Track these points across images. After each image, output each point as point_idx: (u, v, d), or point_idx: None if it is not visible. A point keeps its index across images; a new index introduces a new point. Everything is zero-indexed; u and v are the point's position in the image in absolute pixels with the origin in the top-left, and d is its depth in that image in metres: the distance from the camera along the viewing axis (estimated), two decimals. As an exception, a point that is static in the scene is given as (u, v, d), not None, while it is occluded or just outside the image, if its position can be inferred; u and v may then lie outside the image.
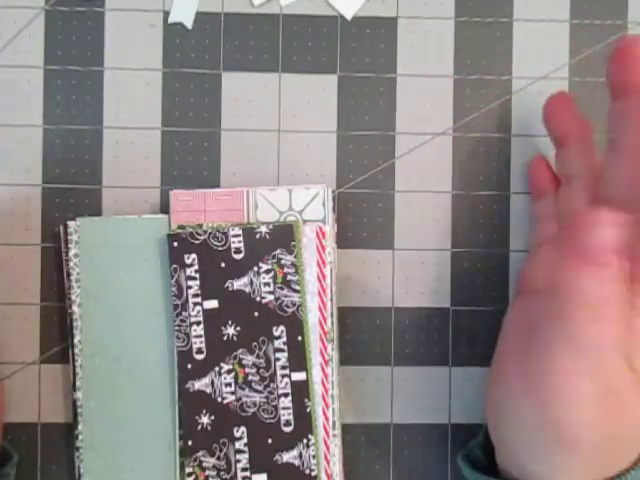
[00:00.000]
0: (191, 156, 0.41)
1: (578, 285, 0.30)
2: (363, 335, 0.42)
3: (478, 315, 0.41)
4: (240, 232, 0.38)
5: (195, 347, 0.38)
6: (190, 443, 0.38)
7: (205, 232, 0.38)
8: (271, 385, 0.38)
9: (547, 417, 0.31)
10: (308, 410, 0.38)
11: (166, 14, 0.41)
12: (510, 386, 0.33)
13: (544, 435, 0.31)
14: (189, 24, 0.41)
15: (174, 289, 0.38)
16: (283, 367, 0.38)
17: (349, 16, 0.41)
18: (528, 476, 0.33)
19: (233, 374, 0.38)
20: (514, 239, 0.42)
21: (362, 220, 0.42)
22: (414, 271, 0.42)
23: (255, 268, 0.38)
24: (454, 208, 0.42)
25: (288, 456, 0.38)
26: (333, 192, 0.41)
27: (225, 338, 0.38)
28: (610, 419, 0.30)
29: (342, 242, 0.41)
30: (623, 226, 0.29)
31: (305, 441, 0.38)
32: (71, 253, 0.39)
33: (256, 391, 0.38)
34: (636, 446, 0.32)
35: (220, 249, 0.38)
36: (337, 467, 0.39)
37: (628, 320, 0.30)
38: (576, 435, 0.31)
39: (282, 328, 0.38)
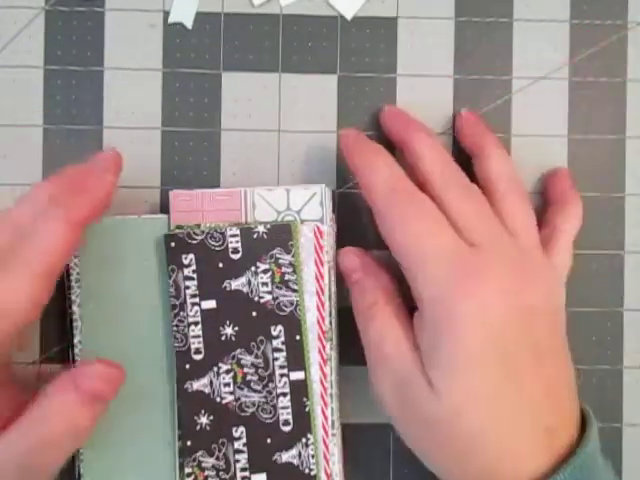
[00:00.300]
0: (191, 156, 0.41)
1: (353, 303, 0.39)
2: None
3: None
4: (238, 232, 0.38)
5: (193, 347, 0.38)
6: (189, 443, 0.38)
7: (202, 232, 0.38)
8: (270, 385, 0.38)
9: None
10: (307, 409, 0.38)
11: (166, 14, 0.41)
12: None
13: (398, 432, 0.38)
14: (189, 24, 0.41)
15: (172, 289, 0.38)
16: (281, 367, 0.38)
17: (349, 16, 0.41)
18: None
19: (232, 374, 0.38)
20: (514, 239, 0.42)
21: (362, 220, 0.42)
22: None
23: (253, 268, 0.38)
24: (454, 208, 0.42)
25: (287, 456, 0.38)
26: (333, 192, 0.41)
27: (223, 338, 0.38)
28: (404, 406, 0.36)
29: (342, 242, 0.41)
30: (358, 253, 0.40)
31: (304, 440, 0.38)
32: (71, 253, 0.39)
33: (255, 391, 0.38)
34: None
35: (218, 249, 0.38)
36: (337, 467, 0.39)
37: (398, 313, 0.38)
38: (402, 432, 0.37)
39: (280, 328, 0.38)
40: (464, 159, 0.41)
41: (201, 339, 0.38)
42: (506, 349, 0.34)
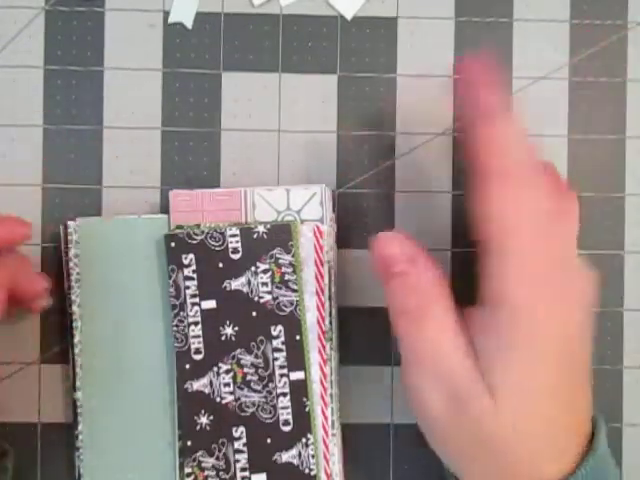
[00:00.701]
0: (191, 156, 0.41)
1: (391, 300, 0.35)
2: (363, 335, 0.42)
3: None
4: (237, 232, 0.38)
5: (193, 347, 0.38)
6: (189, 443, 0.38)
7: (202, 232, 0.38)
8: (270, 385, 0.38)
9: (422, 429, 0.36)
10: (307, 409, 0.38)
11: (166, 14, 0.41)
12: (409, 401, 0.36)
13: (433, 438, 0.36)
14: (189, 24, 0.41)
15: (172, 289, 0.38)
16: (281, 367, 0.38)
17: (349, 16, 0.41)
18: None
19: (232, 374, 0.38)
20: (514, 239, 0.42)
21: (362, 220, 0.42)
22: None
23: (253, 268, 0.38)
24: (454, 208, 0.42)
25: (287, 456, 0.38)
26: (333, 192, 0.41)
27: (223, 338, 0.38)
28: (458, 419, 0.33)
29: (342, 242, 0.41)
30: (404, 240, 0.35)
31: (304, 440, 0.38)
32: (71, 253, 0.39)
33: (255, 391, 0.38)
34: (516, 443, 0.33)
35: (218, 249, 0.38)
36: (336, 466, 0.39)
37: (452, 316, 0.34)
38: (440, 442, 0.35)
39: (280, 328, 0.38)
40: (464, 159, 0.41)
41: (201, 339, 0.38)
42: (574, 364, 0.33)
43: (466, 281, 0.41)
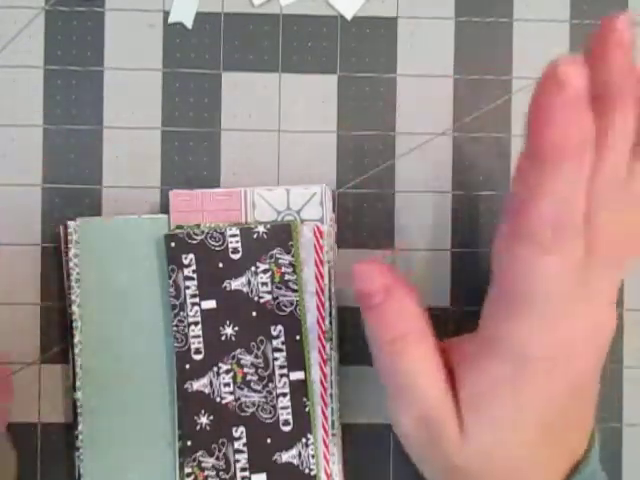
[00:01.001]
0: (191, 156, 0.41)
1: (369, 331, 0.35)
2: (363, 335, 0.41)
3: (478, 315, 0.41)
4: (237, 232, 0.38)
5: (193, 347, 0.38)
6: (189, 443, 0.38)
7: (202, 232, 0.38)
8: (270, 385, 0.38)
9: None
10: (307, 409, 0.38)
11: (166, 14, 0.41)
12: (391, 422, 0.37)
13: (415, 461, 0.37)
14: (189, 24, 0.41)
15: (172, 289, 0.38)
16: (281, 367, 0.38)
17: (349, 16, 0.41)
18: None
19: (232, 374, 0.38)
20: (514, 239, 0.42)
21: (362, 220, 0.41)
22: (414, 271, 0.42)
23: (253, 268, 0.38)
24: (454, 208, 0.42)
25: (287, 456, 0.38)
26: (333, 192, 0.41)
27: (223, 338, 0.38)
28: (430, 449, 0.34)
29: (342, 242, 0.41)
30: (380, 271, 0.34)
31: (304, 440, 0.38)
32: (71, 253, 0.39)
33: (255, 391, 0.38)
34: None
35: (218, 249, 0.38)
36: (336, 467, 0.39)
37: (430, 348, 0.34)
38: (422, 467, 0.36)
39: (280, 328, 0.38)
40: (464, 159, 0.41)
41: (201, 339, 0.38)
42: (573, 408, 0.33)
43: (465, 281, 0.41)
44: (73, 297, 0.39)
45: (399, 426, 0.35)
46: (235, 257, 0.38)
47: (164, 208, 0.41)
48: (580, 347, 0.32)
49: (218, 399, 0.38)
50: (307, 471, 0.38)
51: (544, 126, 0.27)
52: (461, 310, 0.41)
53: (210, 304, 0.38)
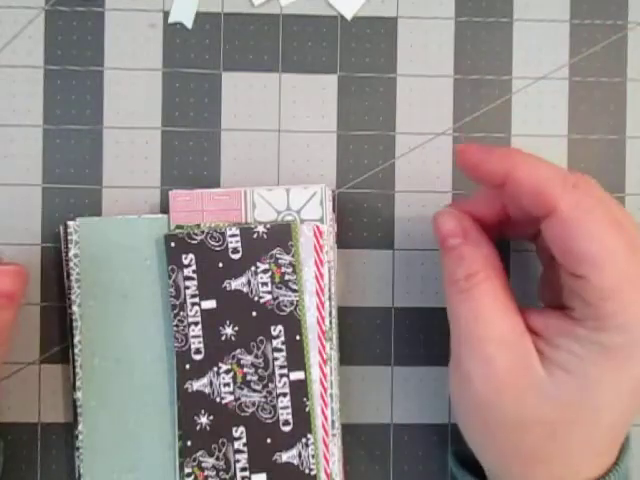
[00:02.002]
0: (191, 156, 0.41)
1: (445, 271, 0.36)
2: (363, 335, 0.42)
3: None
4: (237, 232, 0.38)
5: (193, 347, 0.38)
6: (189, 443, 0.38)
7: (202, 232, 0.38)
8: (270, 385, 0.38)
9: (460, 414, 0.36)
10: (307, 409, 0.38)
11: (166, 14, 0.41)
12: (452, 388, 0.36)
13: (467, 419, 0.36)
14: (189, 24, 0.41)
15: (172, 289, 0.38)
16: (281, 367, 0.38)
17: (349, 16, 0.41)
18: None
19: (231, 374, 0.38)
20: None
21: (362, 220, 0.41)
22: (414, 271, 0.42)
23: (253, 268, 0.38)
24: (454, 208, 0.42)
25: (287, 456, 0.38)
26: (333, 192, 0.41)
27: (223, 338, 0.38)
28: (500, 395, 0.33)
29: (342, 242, 0.41)
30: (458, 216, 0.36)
31: (304, 440, 0.38)
32: (71, 253, 0.39)
33: (255, 391, 0.38)
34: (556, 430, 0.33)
35: (218, 249, 0.38)
36: (336, 466, 0.39)
37: (504, 288, 0.35)
38: (478, 420, 0.35)
39: (280, 328, 0.38)
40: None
41: (201, 339, 0.38)
42: None
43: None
44: (73, 297, 0.39)
45: (464, 375, 0.34)
46: (235, 257, 0.38)
47: (164, 208, 0.41)
48: None
49: (218, 399, 0.38)
50: (307, 471, 0.38)
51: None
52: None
53: (210, 304, 0.38)
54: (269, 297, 0.38)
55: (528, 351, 0.33)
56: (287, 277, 0.38)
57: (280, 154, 0.41)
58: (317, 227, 0.39)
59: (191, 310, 0.38)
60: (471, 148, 0.35)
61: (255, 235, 0.38)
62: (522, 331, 0.33)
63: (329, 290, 0.39)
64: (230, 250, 0.38)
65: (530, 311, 0.35)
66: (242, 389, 0.38)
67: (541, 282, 0.39)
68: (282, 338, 0.38)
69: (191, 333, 0.38)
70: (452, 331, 0.35)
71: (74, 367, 0.39)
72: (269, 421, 0.38)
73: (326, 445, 0.39)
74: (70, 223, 0.39)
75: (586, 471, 0.33)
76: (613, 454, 0.34)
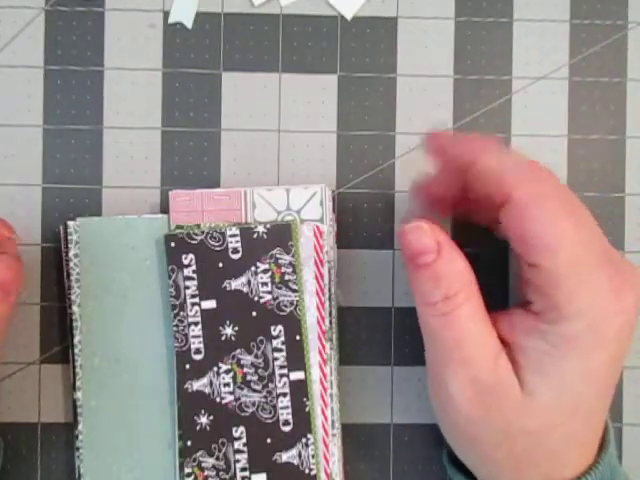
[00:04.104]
0: (191, 156, 0.41)
1: (417, 291, 0.34)
2: (363, 335, 0.42)
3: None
4: (237, 232, 0.38)
5: (193, 347, 0.38)
6: (189, 443, 0.38)
7: (202, 232, 0.38)
8: (270, 385, 0.38)
9: (443, 426, 0.36)
10: (307, 409, 0.38)
11: (166, 14, 0.41)
12: (436, 408, 0.36)
13: (455, 435, 0.36)
14: (189, 24, 0.41)
15: (172, 289, 0.38)
16: (281, 367, 0.38)
17: (349, 16, 0.41)
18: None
19: (231, 374, 0.38)
20: (514, 239, 0.42)
21: (362, 220, 0.41)
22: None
23: (253, 268, 0.38)
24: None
25: (287, 455, 0.38)
26: (333, 192, 0.41)
27: (223, 338, 0.38)
28: (486, 413, 0.33)
29: (342, 242, 0.41)
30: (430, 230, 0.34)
31: (304, 440, 0.38)
32: (71, 253, 0.39)
33: (255, 391, 0.38)
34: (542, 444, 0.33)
35: (218, 249, 0.38)
36: (336, 466, 0.39)
37: (481, 308, 0.34)
38: (465, 435, 0.35)
39: (280, 328, 0.38)
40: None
41: (201, 339, 0.38)
42: (617, 370, 0.34)
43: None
44: (73, 297, 0.39)
45: (447, 397, 0.34)
46: (235, 257, 0.38)
47: (164, 208, 0.41)
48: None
49: (218, 399, 0.38)
50: (307, 471, 0.38)
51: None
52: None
53: (210, 304, 0.38)
54: (269, 297, 0.38)
55: (505, 368, 0.33)
56: (287, 277, 0.38)
57: (280, 154, 0.41)
58: (317, 227, 0.39)
59: (191, 310, 0.38)
60: (441, 134, 0.36)
61: (255, 235, 0.38)
62: (499, 349, 0.33)
63: (329, 290, 0.39)
64: (230, 250, 0.38)
65: (497, 316, 0.35)
66: (242, 389, 0.38)
67: (512, 279, 0.39)
68: (282, 338, 0.38)
69: (191, 333, 0.38)
70: (430, 352, 0.35)
71: (74, 367, 0.39)
72: (269, 421, 0.38)
73: (326, 445, 0.39)
74: (70, 223, 0.39)
75: (575, 463, 0.34)
76: (597, 442, 0.35)
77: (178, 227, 0.39)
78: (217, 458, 0.38)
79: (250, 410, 0.38)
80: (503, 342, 0.34)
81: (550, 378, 0.32)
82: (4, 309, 0.36)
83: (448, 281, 0.33)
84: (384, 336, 0.41)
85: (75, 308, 0.39)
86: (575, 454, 0.34)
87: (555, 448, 0.33)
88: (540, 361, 0.32)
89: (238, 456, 0.38)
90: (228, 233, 0.38)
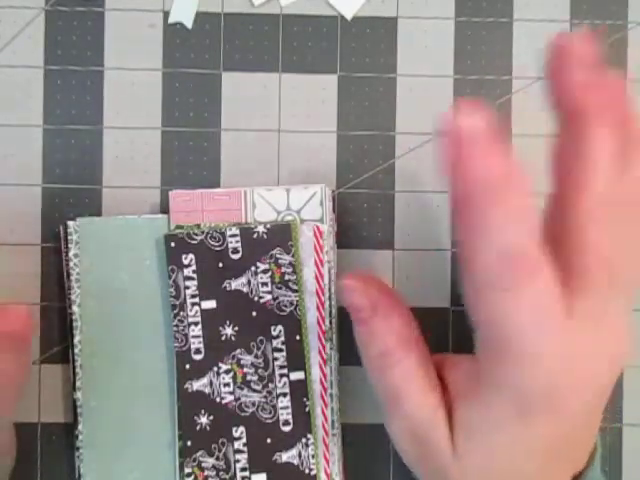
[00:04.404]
0: (191, 156, 0.41)
1: (359, 344, 0.35)
2: (363, 335, 0.42)
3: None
4: (237, 232, 0.38)
5: (193, 347, 0.38)
6: (189, 443, 0.38)
7: (202, 232, 0.38)
8: (270, 385, 0.38)
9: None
10: (307, 409, 0.38)
11: (166, 14, 0.41)
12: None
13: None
14: (189, 24, 0.41)
15: (172, 289, 0.38)
16: (281, 367, 0.38)
17: (349, 16, 0.41)
18: None
19: (231, 374, 0.38)
20: (514, 239, 0.42)
21: (362, 220, 0.41)
22: (414, 271, 0.42)
23: (253, 268, 0.38)
24: (454, 208, 0.42)
25: (287, 455, 0.38)
26: (333, 192, 0.41)
27: (223, 338, 0.38)
28: (423, 461, 0.34)
29: (342, 242, 0.41)
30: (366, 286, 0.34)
31: (304, 440, 0.38)
32: (71, 253, 0.39)
33: (255, 391, 0.38)
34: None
35: (217, 249, 0.38)
36: (336, 466, 0.39)
37: (417, 364, 0.34)
38: (412, 468, 0.35)
39: (280, 328, 0.38)
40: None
41: (201, 339, 0.38)
42: (579, 422, 0.32)
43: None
44: (73, 297, 0.39)
45: (392, 434, 0.35)
46: (235, 257, 0.38)
47: (164, 208, 0.41)
48: (582, 380, 0.30)
49: (218, 399, 0.38)
50: (307, 471, 0.38)
51: (459, 178, 0.29)
52: (461, 310, 0.41)
53: (210, 304, 0.38)
54: (269, 297, 0.38)
55: (441, 427, 0.32)
56: (287, 277, 0.38)
57: (280, 154, 0.41)
58: (317, 227, 0.39)
59: (191, 310, 0.38)
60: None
61: (255, 235, 0.38)
62: (437, 405, 0.33)
63: (329, 290, 0.39)
64: (230, 250, 0.38)
65: (445, 363, 0.35)
66: (242, 389, 0.38)
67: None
68: (282, 338, 0.38)
69: (191, 333, 0.38)
70: (377, 391, 0.35)
71: (74, 367, 0.39)
72: (269, 421, 0.38)
73: (326, 445, 0.39)
74: (70, 223, 0.39)
75: None
76: (580, 462, 0.33)
77: (178, 227, 0.39)
78: (217, 458, 0.38)
79: (250, 410, 0.38)
80: (445, 387, 0.34)
81: (480, 447, 0.31)
82: (25, 360, 0.37)
83: (383, 339, 0.33)
84: (384, 336, 0.41)
85: (75, 308, 0.39)
86: None
87: None
88: (473, 429, 0.32)
89: (238, 456, 0.38)
90: (228, 233, 0.38)
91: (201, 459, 0.38)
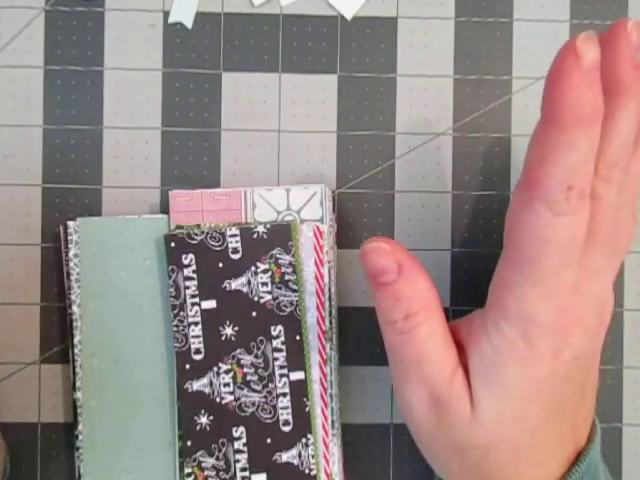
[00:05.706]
0: (191, 156, 0.41)
1: (379, 309, 0.35)
2: (363, 335, 0.42)
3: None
4: (237, 232, 0.38)
5: (193, 347, 0.38)
6: (189, 443, 0.38)
7: (202, 232, 0.38)
8: (270, 385, 0.38)
9: (410, 432, 0.36)
10: (307, 409, 0.38)
11: (166, 14, 0.41)
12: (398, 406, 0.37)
13: (418, 444, 0.36)
14: (189, 24, 0.41)
15: (172, 289, 0.38)
16: (281, 367, 0.38)
17: (349, 16, 0.41)
18: None
19: (231, 374, 0.38)
20: (514, 239, 0.42)
21: (362, 220, 0.41)
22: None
23: (253, 268, 0.38)
24: (454, 208, 0.42)
25: (287, 456, 0.38)
26: (333, 192, 0.41)
27: (223, 338, 0.38)
28: (440, 427, 0.34)
29: (342, 242, 0.41)
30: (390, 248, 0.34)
31: (304, 440, 0.38)
32: (71, 253, 0.39)
33: (255, 391, 0.38)
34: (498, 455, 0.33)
35: (217, 249, 0.38)
36: (336, 467, 0.39)
37: (441, 327, 0.34)
38: (424, 445, 0.36)
39: (280, 328, 0.38)
40: (464, 159, 0.41)
41: (201, 339, 0.38)
42: (577, 385, 0.33)
43: (465, 282, 0.41)
44: (73, 297, 0.39)
45: (407, 408, 0.35)
46: (235, 257, 0.38)
47: (164, 208, 0.41)
48: (587, 323, 0.32)
49: (218, 399, 0.38)
50: (307, 471, 0.38)
51: (561, 94, 0.29)
52: (461, 310, 0.41)
53: (210, 304, 0.38)
54: (269, 297, 0.38)
55: (460, 384, 0.33)
56: (287, 277, 0.38)
57: (280, 154, 0.41)
58: (317, 227, 0.39)
59: (191, 310, 0.38)
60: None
61: (255, 235, 0.38)
62: (456, 364, 0.34)
63: (329, 290, 0.39)
64: (230, 250, 0.38)
65: (459, 323, 0.36)
66: (242, 389, 0.38)
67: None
68: (282, 338, 0.38)
69: (191, 333, 0.38)
70: (392, 366, 0.35)
71: (74, 367, 0.39)
72: (269, 421, 0.38)
73: (326, 445, 0.39)
74: (70, 223, 0.39)
75: (530, 477, 0.34)
76: (553, 457, 0.34)
77: (178, 227, 0.39)
78: (217, 458, 0.38)
79: (250, 410, 0.38)
80: (461, 348, 0.34)
81: (494, 389, 0.32)
82: None
83: (408, 301, 0.33)
84: (384, 336, 0.41)
85: (75, 308, 0.39)
86: (525, 469, 0.33)
87: (503, 463, 0.33)
88: (486, 371, 0.32)
89: (238, 456, 0.38)
90: (228, 233, 0.38)
91: (201, 459, 0.38)
